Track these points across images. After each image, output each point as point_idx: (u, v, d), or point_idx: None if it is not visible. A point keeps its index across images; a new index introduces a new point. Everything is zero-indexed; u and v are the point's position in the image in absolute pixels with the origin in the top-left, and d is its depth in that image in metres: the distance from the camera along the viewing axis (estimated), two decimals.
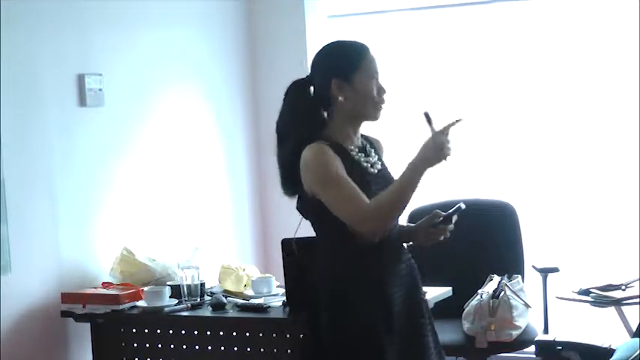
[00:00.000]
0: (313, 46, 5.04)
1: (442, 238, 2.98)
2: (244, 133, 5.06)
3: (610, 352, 3.73)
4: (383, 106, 2.94)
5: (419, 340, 2.96)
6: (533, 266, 4.35)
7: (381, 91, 2.93)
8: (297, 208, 2.99)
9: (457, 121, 2.78)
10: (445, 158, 2.76)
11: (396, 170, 2.93)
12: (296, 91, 3.00)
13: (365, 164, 2.93)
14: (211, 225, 4.78)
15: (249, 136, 5.08)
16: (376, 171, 2.95)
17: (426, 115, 2.82)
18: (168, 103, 4.51)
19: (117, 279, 3.93)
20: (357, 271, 2.88)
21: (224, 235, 4.89)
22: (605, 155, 4.77)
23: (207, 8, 4.81)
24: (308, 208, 2.93)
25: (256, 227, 5.12)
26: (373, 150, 3.02)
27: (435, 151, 2.75)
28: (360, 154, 2.94)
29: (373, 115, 2.95)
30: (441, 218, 2.94)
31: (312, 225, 3.00)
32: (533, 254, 4.45)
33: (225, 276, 3.95)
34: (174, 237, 4.42)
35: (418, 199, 3.37)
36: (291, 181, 2.95)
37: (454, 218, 2.92)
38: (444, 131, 2.76)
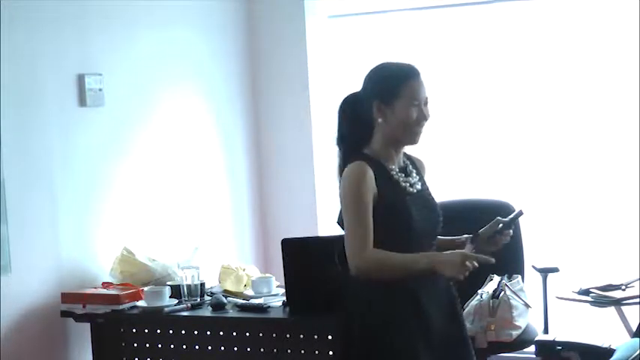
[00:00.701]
0: (313, 46, 5.05)
1: (505, 242, 3.01)
2: (244, 133, 5.06)
3: (610, 352, 3.73)
4: (421, 132, 2.96)
5: (459, 353, 2.98)
6: (533, 266, 4.34)
7: (420, 117, 2.92)
8: (337, 223, 3.00)
9: (491, 261, 2.81)
10: (458, 278, 2.79)
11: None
12: (347, 104, 3.01)
13: (404, 184, 2.94)
14: (211, 225, 4.78)
15: (249, 136, 5.08)
16: (415, 191, 2.96)
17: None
18: (168, 103, 4.51)
19: (117, 279, 3.93)
20: (391, 285, 2.86)
21: (224, 235, 4.89)
22: (605, 155, 4.77)
23: (207, 8, 4.81)
24: (341, 220, 2.96)
25: (256, 227, 5.12)
26: (415, 171, 3.03)
27: (456, 269, 2.76)
28: (400, 174, 2.96)
29: (410, 141, 2.98)
30: (501, 225, 2.97)
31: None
32: (533, 254, 4.44)
33: (225, 276, 3.96)
34: (174, 237, 4.42)
35: None
36: None
37: (512, 224, 2.97)
38: (476, 260, 2.78)
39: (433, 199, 3.02)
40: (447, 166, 4.92)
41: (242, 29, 5.05)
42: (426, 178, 3.09)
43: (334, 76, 5.11)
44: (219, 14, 4.92)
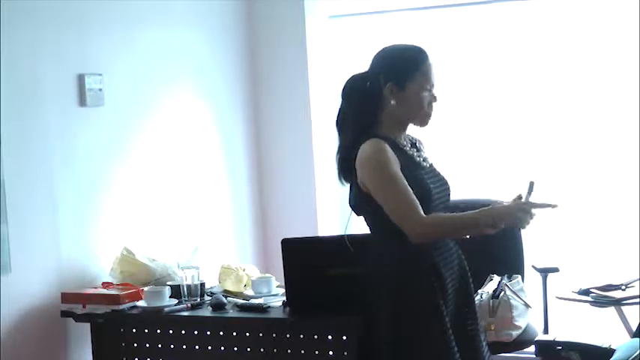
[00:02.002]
0: (313, 46, 5.05)
1: (531, 219, 2.97)
2: (244, 133, 5.06)
3: (610, 352, 3.73)
4: (431, 114, 3.02)
5: (470, 331, 3.04)
6: (533, 266, 4.35)
7: (432, 100, 3.00)
8: (349, 205, 3.03)
9: (553, 206, 2.83)
10: (521, 227, 2.86)
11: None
12: (354, 84, 3.03)
13: (418, 159, 3.02)
14: (211, 225, 4.78)
15: (249, 136, 5.08)
16: (427, 165, 3.05)
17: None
18: (168, 103, 4.51)
19: (117, 279, 3.93)
20: (413, 263, 2.93)
21: (224, 235, 4.89)
22: (605, 155, 4.77)
23: (207, 8, 4.81)
24: (361, 204, 2.97)
25: (256, 227, 5.12)
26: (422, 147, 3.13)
27: (515, 218, 2.83)
28: (412, 150, 3.03)
29: (420, 123, 3.04)
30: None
31: (366, 221, 3.04)
32: (533, 254, 4.44)
33: (225, 276, 3.96)
34: (174, 237, 4.42)
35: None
36: (347, 173, 2.99)
37: (530, 196, 2.93)
38: (535, 206, 2.82)
39: (441, 174, 3.10)
40: (447, 165, 4.90)
41: (242, 29, 5.05)
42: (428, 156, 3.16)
43: (334, 77, 5.11)
44: (219, 14, 4.92)
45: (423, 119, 3.02)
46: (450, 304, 2.98)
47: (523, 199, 2.89)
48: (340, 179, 3.04)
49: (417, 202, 2.86)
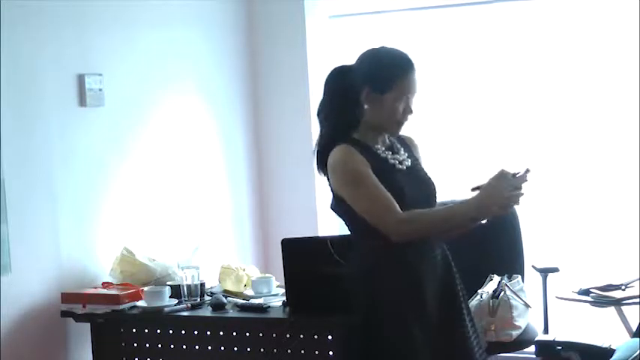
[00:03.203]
0: (313, 46, 5.05)
1: (517, 203, 2.93)
2: (244, 133, 5.06)
3: (610, 352, 3.73)
4: (404, 124, 2.98)
5: (456, 331, 2.99)
6: (533, 266, 4.35)
7: (407, 110, 2.95)
8: (330, 208, 3.02)
9: (527, 171, 2.82)
10: (513, 203, 2.80)
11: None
12: (335, 77, 3.02)
13: (392, 161, 2.97)
14: (211, 225, 4.78)
15: (249, 136, 5.09)
16: (404, 168, 2.99)
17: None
18: (168, 103, 4.51)
19: (117, 279, 3.93)
20: (389, 267, 2.91)
21: (224, 235, 4.89)
22: (605, 155, 4.77)
23: (207, 8, 4.81)
24: (338, 208, 2.97)
25: (256, 227, 5.12)
26: (403, 148, 3.05)
27: (502, 198, 2.77)
28: (387, 152, 2.98)
29: (391, 131, 3.01)
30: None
31: (346, 224, 3.03)
32: (533, 254, 4.44)
33: (225, 276, 3.96)
34: (174, 237, 4.42)
35: None
36: (324, 164, 2.97)
37: (525, 181, 2.89)
38: (518, 181, 2.79)
39: (426, 174, 3.03)
40: (446, 165, 4.91)
41: (242, 29, 5.05)
42: (420, 154, 3.11)
43: None
44: (219, 14, 4.92)
45: (394, 128, 2.98)
46: (430, 305, 2.94)
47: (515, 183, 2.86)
48: (319, 169, 3.02)
49: (392, 200, 2.82)
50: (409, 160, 3.02)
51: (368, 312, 2.92)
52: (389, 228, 2.82)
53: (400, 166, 2.97)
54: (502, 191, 2.78)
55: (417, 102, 2.97)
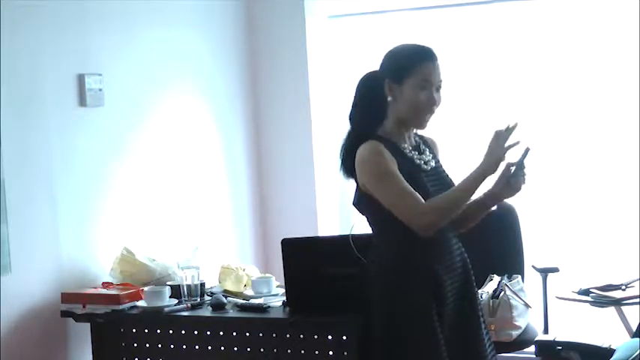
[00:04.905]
0: (313, 46, 5.05)
1: (524, 182, 3.02)
2: (244, 133, 5.06)
3: (610, 352, 3.73)
4: (429, 116, 2.99)
5: (472, 334, 3.06)
6: (533, 266, 4.35)
7: (431, 101, 2.96)
8: (353, 204, 3.06)
9: (514, 125, 2.90)
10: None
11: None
12: (364, 81, 3.08)
13: (418, 161, 3.01)
14: (211, 225, 4.78)
15: (249, 136, 5.09)
16: (429, 168, 3.03)
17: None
18: (168, 103, 4.51)
19: (117, 279, 3.93)
20: (410, 263, 2.95)
21: (224, 235, 4.89)
22: (605, 155, 4.77)
23: (207, 8, 4.81)
24: (363, 204, 3.00)
25: (256, 227, 5.12)
26: (428, 149, 3.10)
27: (497, 155, 2.86)
28: (413, 152, 3.02)
29: (416, 124, 3.03)
30: (514, 167, 2.97)
31: (368, 221, 3.06)
32: (533, 254, 4.44)
33: (225, 276, 3.95)
34: (174, 237, 4.42)
35: None
36: (348, 166, 3.01)
37: (525, 161, 2.95)
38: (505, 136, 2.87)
39: (447, 175, 3.10)
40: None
41: (242, 29, 5.05)
42: (440, 157, 3.16)
43: (334, 77, 5.11)
44: (219, 14, 4.92)
45: (418, 120, 3.00)
46: (449, 306, 2.99)
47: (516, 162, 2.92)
48: (341, 172, 3.06)
49: (417, 194, 2.87)
50: (433, 162, 3.07)
51: (388, 308, 2.94)
52: (416, 221, 2.86)
53: (425, 167, 3.03)
54: (501, 146, 2.87)
55: (444, 95, 2.99)
